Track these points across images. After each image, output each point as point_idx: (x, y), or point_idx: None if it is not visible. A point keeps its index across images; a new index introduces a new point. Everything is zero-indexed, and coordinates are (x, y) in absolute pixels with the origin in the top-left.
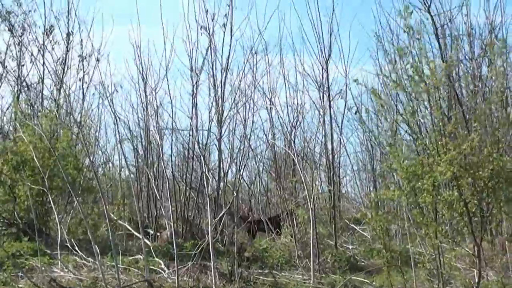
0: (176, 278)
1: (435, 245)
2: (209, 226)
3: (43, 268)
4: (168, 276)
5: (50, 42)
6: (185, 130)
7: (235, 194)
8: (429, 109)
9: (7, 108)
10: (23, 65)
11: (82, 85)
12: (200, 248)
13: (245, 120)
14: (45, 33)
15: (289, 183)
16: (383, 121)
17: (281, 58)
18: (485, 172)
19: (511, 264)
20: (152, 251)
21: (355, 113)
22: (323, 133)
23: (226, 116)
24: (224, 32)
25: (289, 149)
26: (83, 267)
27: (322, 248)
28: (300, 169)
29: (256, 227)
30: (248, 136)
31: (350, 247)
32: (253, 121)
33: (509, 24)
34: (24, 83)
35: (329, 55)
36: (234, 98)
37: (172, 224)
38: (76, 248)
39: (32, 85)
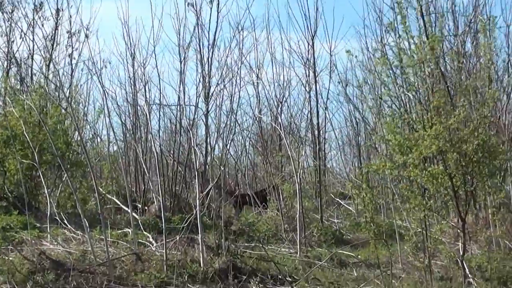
0: (164, 251)
1: (421, 219)
2: (197, 200)
3: (33, 241)
4: (156, 249)
5: (40, 18)
6: (173, 106)
7: (222, 169)
8: (416, 84)
9: None
10: (13, 41)
11: (71, 61)
12: (187, 222)
13: (231, 96)
14: (35, 9)
15: (276, 158)
16: (367, 95)
17: (268, 35)
18: (470, 146)
19: (495, 238)
20: (141, 224)
21: (339, 83)
22: (309, 109)
23: (213, 91)
24: (211, 9)
25: (275, 124)
26: (72, 240)
27: (308, 222)
28: (287, 144)
29: (243, 201)
30: (235, 111)
31: (336, 221)
32: (239, 97)
33: (492, 1)
34: (13, 59)
35: (315, 32)
36: (221, 74)
37: (160, 198)
38: (66, 222)
39: (22, 61)
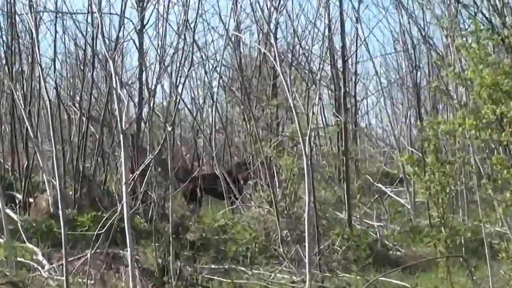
0: (64, 278)
1: None
2: (123, 187)
3: None
4: (49, 275)
5: None
6: (80, 14)
7: (170, 129)
8: None
9: None
10: None
11: None
12: (107, 226)
13: None
14: None
15: (266, 110)
16: None
17: None
18: None
19: None
20: (22, 230)
21: None
22: (327, 21)
23: None
24: None
25: (266, 49)
26: None
27: (325, 227)
28: (286, 84)
29: (207, 189)
30: (192, 25)
31: (376, 224)
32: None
33: None
34: None
35: None
36: None
37: (56, 182)
38: None
39: None
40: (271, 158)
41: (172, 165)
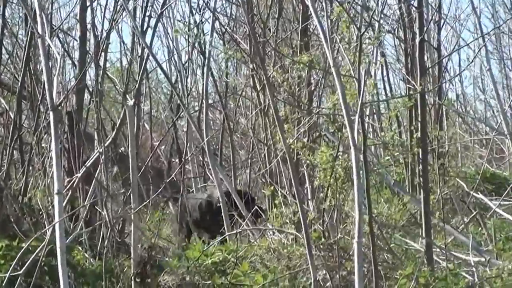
0: None
1: None
2: (56, 199)
3: None
4: None
5: None
6: None
7: (131, 104)
8: None
9: None
10: None
11: None
12: (28, 263)
13: None
14: None
15: (291, 72)
16: None
17: None
18: None
19: None
20: None
21: None
22: None
23: None
24: None
25: None
26: None
27: (388, 265)
28: (322, 28)
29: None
30: None
31: (472, 259)
32: None
33: None
34: None
35: None
36: None
37: None
38: None
39: None
40: (299, 151)
41: (136, 163)
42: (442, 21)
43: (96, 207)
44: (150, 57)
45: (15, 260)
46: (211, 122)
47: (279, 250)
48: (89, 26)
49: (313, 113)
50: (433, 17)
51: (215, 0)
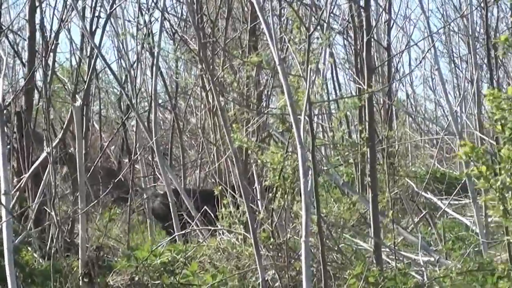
0: None
1: None
2: (2, 199)
3: None
4: None
5: None
6: None
7: (79, 104)
8: None
9: None
10: None
11: None
12: None
13: None
14: None
15: (241, 72)
16: None
17: None
18: None
19: None
20: None
21: None
22: None
23: None
24: None
25: None
26: None
27: (337, 265)
28: (268, 29)
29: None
30: None
31: (421, 259)
32: None
33: None
34: None
35: None
36: None
37: None
38: None
39: None
40: (249, 151)
41: (83, 164)
42: (392, 21)
43: (45, 207)
44: (100, 57)
45: None
46: (161, 122)
47: (228, 250)
48: (38, 26)
49: (262, 113)
50: (380, 17)
51: (164, 0)
